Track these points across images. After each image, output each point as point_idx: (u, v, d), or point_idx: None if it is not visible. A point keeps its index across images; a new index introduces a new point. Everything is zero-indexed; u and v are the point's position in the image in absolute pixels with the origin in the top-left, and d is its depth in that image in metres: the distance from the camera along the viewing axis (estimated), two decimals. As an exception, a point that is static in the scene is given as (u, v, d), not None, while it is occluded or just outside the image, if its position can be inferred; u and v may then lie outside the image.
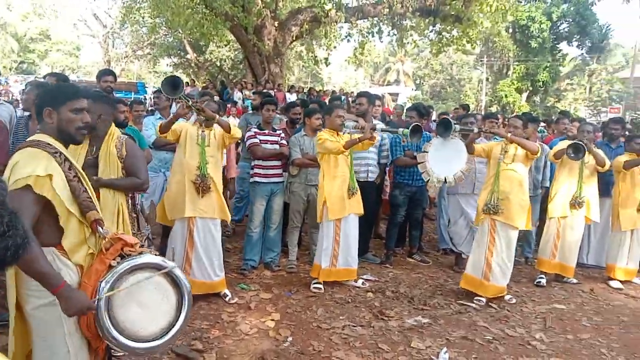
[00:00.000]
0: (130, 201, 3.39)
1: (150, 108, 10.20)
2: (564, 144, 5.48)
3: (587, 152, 5.22)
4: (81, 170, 2.28)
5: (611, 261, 5.80)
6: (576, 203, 5.39)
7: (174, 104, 6.24)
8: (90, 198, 2.22)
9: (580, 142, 5.15)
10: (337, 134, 4.95)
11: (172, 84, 3.95)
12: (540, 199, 6.17)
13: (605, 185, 5.84)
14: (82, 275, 2.17)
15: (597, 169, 5.47)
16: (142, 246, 2.37)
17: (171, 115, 4.61)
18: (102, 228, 2.23)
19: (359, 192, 5.04)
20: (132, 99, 10.56)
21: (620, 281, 5.68)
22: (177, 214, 4.37)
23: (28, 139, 2.24)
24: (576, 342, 4.17)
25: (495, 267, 4.87)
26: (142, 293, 2.21)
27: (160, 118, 5.58)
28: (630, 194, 5.64)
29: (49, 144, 2.17)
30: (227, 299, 4.53)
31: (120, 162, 3.26)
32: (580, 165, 5.39)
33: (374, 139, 4.89)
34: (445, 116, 5.42)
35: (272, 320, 4.21)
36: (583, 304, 5.08)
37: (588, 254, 6.34)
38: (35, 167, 2.04)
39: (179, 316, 2.30)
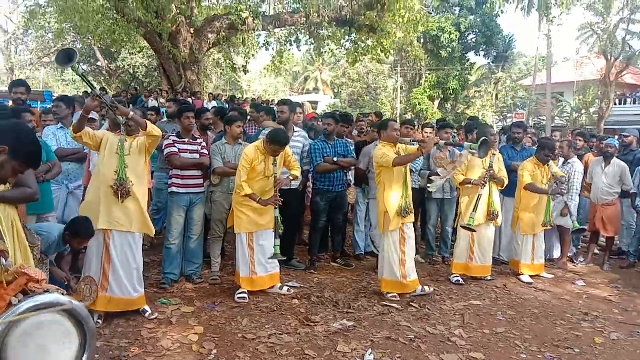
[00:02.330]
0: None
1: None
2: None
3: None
4: None
5: (517, 258, 6.17)
6: (494, 216, 5.80)
7: (75, 113, 5.93)
8: None
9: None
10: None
11: (67, 56, 3.58)
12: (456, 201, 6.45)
13: (512, 185, 6.19)
14: None
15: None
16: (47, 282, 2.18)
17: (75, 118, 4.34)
18: (5, 260, 2.04)
19: None
20: (39, 108, 9.92)
21: (531, 276, 6.04)
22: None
23: None
24: (493, 336, 4.37)
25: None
26: (43, 336, 2.02)
27: (61, 128, 5.28)
28: (531, 201, 6.02)
29: None
30: (146, 315, 4.34)
31: None
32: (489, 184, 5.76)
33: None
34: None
35: (196, 334, 4.08)
36: (497, 299, 5.34)
37: (500, 250, 6.69)
38: None
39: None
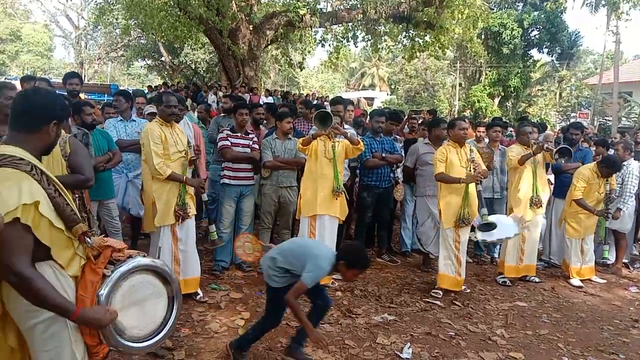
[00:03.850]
0: (79, 201, 3.36)
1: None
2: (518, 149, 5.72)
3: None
4: (58, 182, 2.12)
5: (567, 260, 6.04)
6: (534, 203, 5.61)
7: (134, 107, 6.28)
8: (74, 211, 2.12)
9: (567, 147, 5.46)
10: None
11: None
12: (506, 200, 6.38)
13: (563, 187, 6.07)
14: (77, 287, 2.10)
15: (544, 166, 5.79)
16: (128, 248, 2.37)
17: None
18: (89, 239, 2.16)
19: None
20: (105, 101, 10.48)
21: (581, 280, 5.91)
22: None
23: None
24: (535, 337, 4.35)
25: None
26: (139, 295, 2.24)
27: (121, 120, 5.62)
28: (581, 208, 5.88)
29: (21, 158, 1.94)
30: (198, 297, 4.59)
31: (64, 160, 3.22)
32: (533, 167, 5.61)
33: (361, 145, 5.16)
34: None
35: (242, 318, 4.29)
36: (544, 302, 5.28)
37: (550, 253, 6.57)
38: (20, 194, 1.85)
39: (171, 312, 2.36)
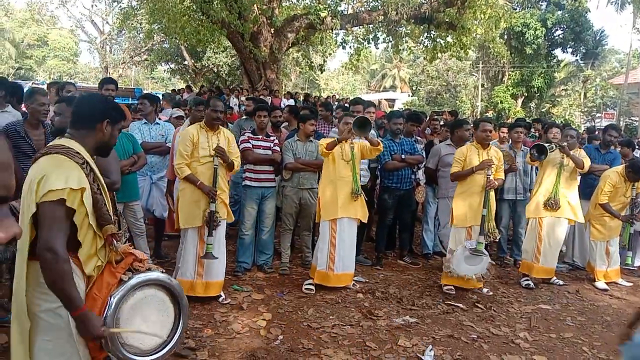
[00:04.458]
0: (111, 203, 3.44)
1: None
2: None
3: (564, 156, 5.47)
4: (103, 182, 2.27)
5: (592, 263, 5.94)
6: (549, 204, 5.54)
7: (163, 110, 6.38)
8: (109, 211, 2.24)
9: (542, 144, 5.37)
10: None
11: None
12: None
13: (589, 188, 5.97)
14: (90, 286, 2.18)
15: (577, 171, 5.64)
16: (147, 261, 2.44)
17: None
18: (117, 242, 2.25)
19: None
20: (130, 104, 10.64)
21: (606, 282, 5.82)
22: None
23: (53, 144, 2.18)
24: (559, 340, 4.30)
25: None
26: (146, 309, 2.30)
27: (145, 123, 5.72)
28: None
29: (77, 152, 2.14)
30: (220, 299, 4.64)
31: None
32: (558, 168, 5.54)
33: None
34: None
35: (264, 320, 4.32)
36: (568, 305, 5.20)
37: (573, 255, 6.48)
38: (68, 179, 2.02)
39: (176, 331, 2.40)
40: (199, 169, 4.48)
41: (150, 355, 2.31)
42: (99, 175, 2.23)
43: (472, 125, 6.63)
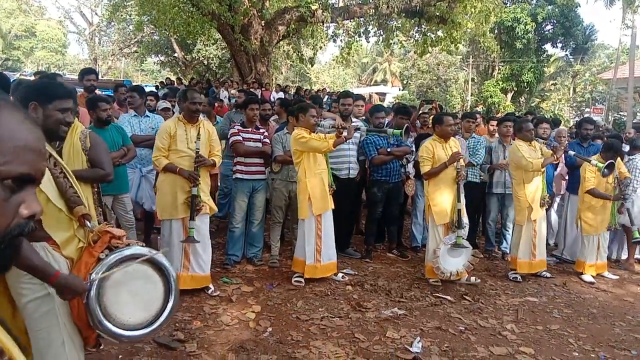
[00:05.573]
0: (95, 195, 3.41)
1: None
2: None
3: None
4: (66, 166, 2.28)
5: (582, 258, 6.00)
6: (545, 202, 5.62)
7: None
8: (77, 193, 2.25)
9: (613, 162, 5.43)
10: (310, 133, 5.04)
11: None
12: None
13: (577, 183, 6.02)
14: (72, 269, 2.20)
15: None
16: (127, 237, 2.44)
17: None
18: (89, 222, 2.27)
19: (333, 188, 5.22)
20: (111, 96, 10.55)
21: (593, 275, 5.88)
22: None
23: None
24: (545, 332, 4.35)
25: None
26: (132, 283, 2.28)
27: (135, 115, 5.69)
28: (594, 202, 5.84)
29: None
30: (209, 292, 4.65)
31: (85, 154, 3.26)
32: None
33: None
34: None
35: (253, 312, 4.33)
36: (555, 297, 5.26)
37: (564, 249, 6.54)
38: None
39: (167, 305, 2.37)
40: (179, 162, 4.45)
41: (140, 329, 2.29)
42: (59, 159, 2.23)
43: (459, 118, 6.66)
